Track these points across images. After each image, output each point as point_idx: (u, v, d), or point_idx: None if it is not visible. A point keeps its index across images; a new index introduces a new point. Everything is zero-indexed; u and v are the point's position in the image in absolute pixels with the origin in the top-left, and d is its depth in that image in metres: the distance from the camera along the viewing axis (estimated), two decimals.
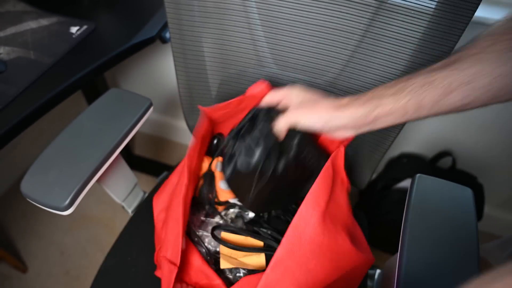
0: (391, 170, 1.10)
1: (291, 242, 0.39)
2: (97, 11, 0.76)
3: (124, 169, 0.63)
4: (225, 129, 0.62)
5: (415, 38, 0.47)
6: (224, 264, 0.49)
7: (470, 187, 0.43)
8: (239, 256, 0.52)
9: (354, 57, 0.52)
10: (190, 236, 0.53)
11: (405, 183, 1.03)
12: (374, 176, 1.11)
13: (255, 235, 0.54)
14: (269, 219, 0.58)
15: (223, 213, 0.58)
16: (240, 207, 0.59)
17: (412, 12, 0.46)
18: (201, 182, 0.60)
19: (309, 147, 0.48)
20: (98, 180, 0.51)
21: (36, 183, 0.46)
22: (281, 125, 0.44)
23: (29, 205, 0.47)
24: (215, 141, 0.63)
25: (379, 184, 1.08)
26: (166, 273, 0.46)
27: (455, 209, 0.41)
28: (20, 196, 0.46)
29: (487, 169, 1.05)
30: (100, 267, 0.59)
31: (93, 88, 1.11)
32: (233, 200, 0.59)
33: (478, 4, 0.43)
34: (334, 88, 0.56)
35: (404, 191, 1.02)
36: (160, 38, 0.73)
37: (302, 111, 0.44)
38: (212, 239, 0.53)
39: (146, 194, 0.72)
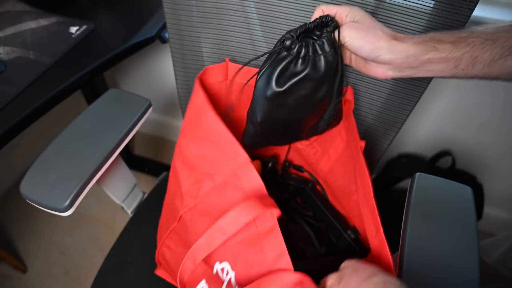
0: (391, 170, 1.10)
1: None
2: (97, 11, 0.76)
3: (124, 170, 0.63)
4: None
5: None
6: None
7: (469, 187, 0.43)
8: None
9: None
10: None
11: (405, 183, 1.03)
12: (373, 176, 1.11)
13: None
14: None
15: None
16: None
17: (411, 11, 0.46)
18: None
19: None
20: (98, 181, 0.51)
21: (36, 184, 0.46)
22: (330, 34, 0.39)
23: (28, 205, 0.47)
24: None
25: (379, 184, 1.08)
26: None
27: (455, 208, 0.41)
28: (20, 196, 0.46)
29: (487, 169, 1.05)
30: (100, 267, 0.59)
31: (93, 88, 1.11)
32: None
33: (476, 4, 0.43)
34: None
35: (403, 191, 1.01)
36: (159, 38, 0.73)
37: (355, 29, 0.39)
38: None
39: (146, 195, 0.72)
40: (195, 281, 0.41)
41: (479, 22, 0.53)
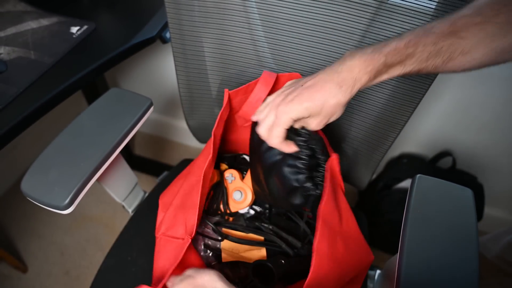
0: (391, 170, 1.10)
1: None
2: (98, 11, 0.76)
3: (125, 168, 0.63)
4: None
5: None
6: (225, 258, 0.49)
7: (470, 187, 0.43)
8: (240, 251, 0.52)
9: None
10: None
11: (405, 183, 1.03)
12: (374, 176, 1.11)
13: (257, 230, 0.54)
14: (270, 216, 0.58)
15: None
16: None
17: (412, 12, 0.46)
18: (211, 193, 0.60)
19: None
20: (99, 180, 0.51)
21: (36, 182, 0.46)
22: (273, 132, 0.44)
23: (29, 205, 0.47)
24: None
25: (379, 184, 1.08)
26: (174, 247, 0.46)
27: (455, 210, 0.41)
28: (20, 196, 0.46)
29: (487, 169, 1.05)
30: (100, 267, 0.60)
31: (93, 88, 1.11)
32: (242, 211, 0.59)
33: None
34: None
35: (404, 191, 1.02)
36: (160, 38, 0.73)
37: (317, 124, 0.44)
38: (213, 234, 0.53)
39: (147, 194, 0.72)
40: None
41: None
